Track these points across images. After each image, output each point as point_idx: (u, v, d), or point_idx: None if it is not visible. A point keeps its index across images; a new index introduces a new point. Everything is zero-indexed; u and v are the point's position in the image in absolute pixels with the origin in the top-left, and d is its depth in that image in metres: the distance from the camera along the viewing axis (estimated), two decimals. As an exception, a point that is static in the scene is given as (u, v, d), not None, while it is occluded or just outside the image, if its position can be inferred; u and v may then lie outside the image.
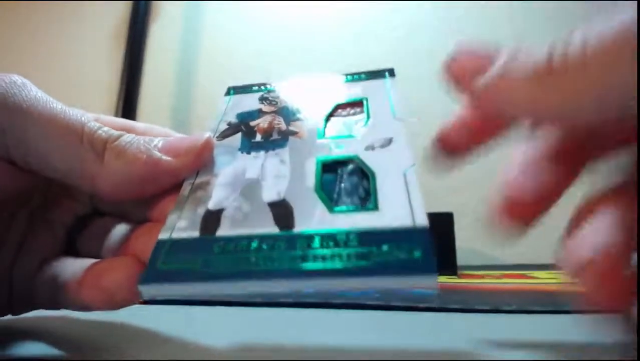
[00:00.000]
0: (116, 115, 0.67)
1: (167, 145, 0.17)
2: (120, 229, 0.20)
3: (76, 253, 0.20)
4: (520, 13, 0.68)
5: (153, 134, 0.20)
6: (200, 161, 0.18)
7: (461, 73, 0.17)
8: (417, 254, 0.13)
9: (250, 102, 0.23)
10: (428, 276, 0.13)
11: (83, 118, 0.17)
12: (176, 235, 0.16)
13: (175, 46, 0.75)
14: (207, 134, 0.19)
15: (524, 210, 0.16)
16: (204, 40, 0.74)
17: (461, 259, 0.47)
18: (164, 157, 0.17)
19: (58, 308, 0.18)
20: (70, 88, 0.75)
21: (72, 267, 0.18)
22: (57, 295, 0.18)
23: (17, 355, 0.17)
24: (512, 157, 0.17)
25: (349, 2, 0.73)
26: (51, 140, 0.16)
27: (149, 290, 0.14)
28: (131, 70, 0.70)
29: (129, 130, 0.20)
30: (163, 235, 0.16)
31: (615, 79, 0.12)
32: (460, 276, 0.43)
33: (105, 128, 0.17)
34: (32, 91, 0.17)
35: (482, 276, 0.42)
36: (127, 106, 0.68)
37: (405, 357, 0.16)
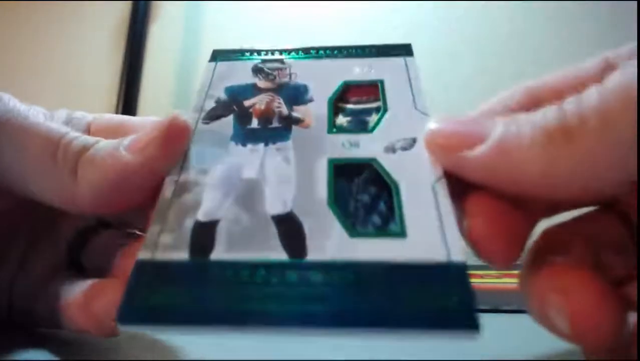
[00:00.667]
0: (116, 114, 0.67)
1: (134, 141, 0.15)
2: (123, 243, 0.18)
3: (81, 268, 0.19)
4: (521, 13, 0.68)
5: (144, 126, 0.18)
6: (168, 152, 0.15)
7: (448, 145, 0.14)
8: (454, 301, 0.11)
9: (241, 72, 0.19)
10: (467, 331, 0.11)
11: (61, 130, 0.16)
12: (160, 256, 0.13)
13: (175, 46, 0.75)
14: (173, 116, 0.16)
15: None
16: (204, 40, 0.74)
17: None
18: (130, 156, 0.15)
19: (59, 328, 0.17)
20: (70, 88, 0.75)
21: (73, 286, 0.17)
22: (56, 315, 0.17)
23: (17, 356, 0.16)
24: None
25: (349, 2, 0.72)
26: (26, 162, 0.15)
27: (128, 329, 0.11)
28: (131, 70, 0.69)
29: (123, 127, 0.19)
30: (144, 254, 0.13)
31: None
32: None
33: (82, 138, 0.16)
34: (9, 104, 0.16)
35: (482, 276, 0.42)
36: (127, 106, 0.68)
37: (405, 357, 0.16)
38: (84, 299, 0.16)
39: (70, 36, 0.78)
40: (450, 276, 0.12)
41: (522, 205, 0.14)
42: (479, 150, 0.13)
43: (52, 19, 0.79)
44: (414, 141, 0.15)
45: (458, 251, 0.12)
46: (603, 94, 0.11)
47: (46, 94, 0.72)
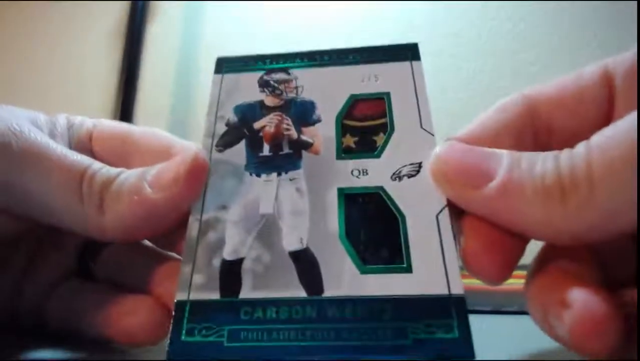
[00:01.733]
0: (115, 115, 0.65)
1: (156, 177, 0.16)
2: (140, 257, 0.19)
3: (90, 277, 0.19)
4: (521, 13, 0.65)
5: (150, 142, 0.19)
6: (191, 190, 0.16)
7: (453, 180, 0.15)
8: (455, 333, 0.13)
9: (248, 87, 0.19)
10: (465, 359, 0.12)
11: (84, 162, 0.16)
12: (195, 296, 0.14)
13: (174, 46, 0.71)
14: (193, 154, 0.16)
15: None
16: (202, 41, 0.71)
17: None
18: (154, 193, 0.16)
19: (70, 332, 0.18)
20: (68, 88, 0.73)
21: (90, 297, 0.18)
22: (71, 323, 0.18)
23: (17, 356, 0.16)
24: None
25: (349, 2, 0.69)
26: (50, 195, 0.16)
27: None
28: (129, 70, 0.67)
29: (127, 139, 0.19)
30: (180, 295, 0.14)
31: (624, 203, 0.12)
32: (460, 277, 0.43)
33: (105, 170, 0.17)
34: (30, 136, 0.16)
35: None
36: (126, 106, 0.66)
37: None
38: (118, 313, 0.17)
39: (68, 36, 0.76)
40: (451, 309, 0.13)
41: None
42: (483, 192, 0.14)
43: (51, 19, 0.76)
44: (419, 166, 0.16)
45: (458, 284, 0.14)
46: (590, 162, 0.12)
47: (45, 94, 0.71)
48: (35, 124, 0.18)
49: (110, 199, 0.16)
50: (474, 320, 0.21)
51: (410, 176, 0.16)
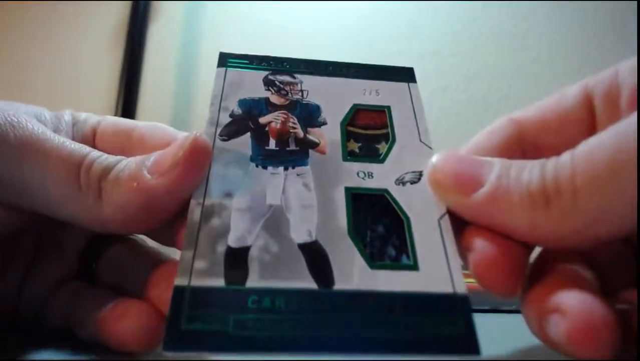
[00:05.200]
0: (116, 114, 0.62)
1: (155, 162, 0.15)
2: (141, 259, 0.18)
3: (92, 279, 0.19)
4: (521, 13, 0.69)
5: (156, 135, 0.19)
6: (192, 174, 0.15)
7: (447, 187, 0.16)
8: (459, 329, 0.13)
9: (253, 83, 0.19)
10: (471, 355, 0.13)
11: (82, 151, 0.16)
12: (197, 282, 0.13)
13: (175, 46, 0.71)
14: (192, 137, 0.15)
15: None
16: (203, 40, 0.71)
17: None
18: (154, 179, 0.15)
19: (70, 334, 0.17)
20: (69, 87, 0.70)
21: (89, 300, 0.17)
22: (70, 325, 0.17)
23: (17, 356, 0.16)
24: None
25: (350, 3, 0.72)
26: (50, 186, 0.15)
27: (174, 355, 0.12)
28: (131, 69, 0.65)
29: (132, 134, 0.19)
30: (180, 280, 0.13)
31: (607, 209, 0.12)
32: (463, 277, 0.44)
33: (103, 158, 0.16)
34: (28, 127, 0.16)
35: None
36: (127, 106, 0.64)
37: (405, 357, 0.17)
38: (110, 317, 0.16)
39: (70, 35, 0.73)
40: (455, 306, 0.14)
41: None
42: (474, 198, 0.15)
43: (52, 19, 0.73)
44: (420, 174, 0.17)
45: (461, 283, 0.14)
46: (574, 170, 0.13)
47: (46, 93, 0.67)
48: (39, 120, 0.17)
49: (110, 186, 0.15)
50: (474, 319, 0.21)
51: (412, 182, 0.17)
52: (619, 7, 0.66)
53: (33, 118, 0.17)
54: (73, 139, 0.18)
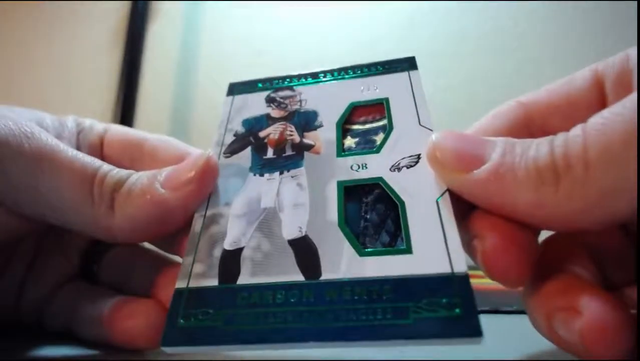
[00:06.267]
0: (116, 114, 0.67)
1: (168, 178, 0.16)
2: (142, 260, 0.19)
3: (93, 280, 0.19)
4: (522, 13, 0.67)
5: (168, 149, 0.20)
6: (202, 191, 0.17)
7: (447, 164, 0.15)
8: (458, 311, 0.12)
9: (256, 104, 0.21)
10: (471, 338, 0.12)
11: (94, 164, 0.17)
12: (194, 284, 0.14)
13: (174, 46, 0.74)
14: (206, 157, 0.17)
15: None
16: (203, 40, 0.73)
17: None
18: (167, 193, 0.16)
19: (70, 334, 0.18)
20: (69, 87, 0.74)
21: (91, 299, 0.18)
22: (72, 325, 0.18)
23: (18, 356, 0.17)
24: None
25: (350, 3, 0.72)
26: (62, 198, 0.16)
27: (172, 350, 0.13)
28: (130, 69, 0.69)
29: (142, 147, 0.20)
30: (180, 283, 0.15)
31: (621, 180, 0.12)
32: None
33: (116, 171, 0.17)
34: (42, 138, 0.16)
35: (482, 276, 0.41)
36: (126, 105, 0.67)
37: (405, 357, 0.16)
38: (117, 315, 0.17)
39: (69, 35, 0.78)
40: (454, 287, 0.13)
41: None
42: (476, 174, 0.14)
43: (52, 19, 0.79)
44: (418, 157, 0.16)
45: (461, 262, 0.13)
46: (586, 143, 0.12)
47: (45, 93, 0.71)
48: (41, 126, 0.18)
49: (122, 198, 0.16)
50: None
51: (409, 166, 0.16)
52: (619, 7, 0.61)
53: (37, 126, 0.17)
54: (79, 147, 0.20)
